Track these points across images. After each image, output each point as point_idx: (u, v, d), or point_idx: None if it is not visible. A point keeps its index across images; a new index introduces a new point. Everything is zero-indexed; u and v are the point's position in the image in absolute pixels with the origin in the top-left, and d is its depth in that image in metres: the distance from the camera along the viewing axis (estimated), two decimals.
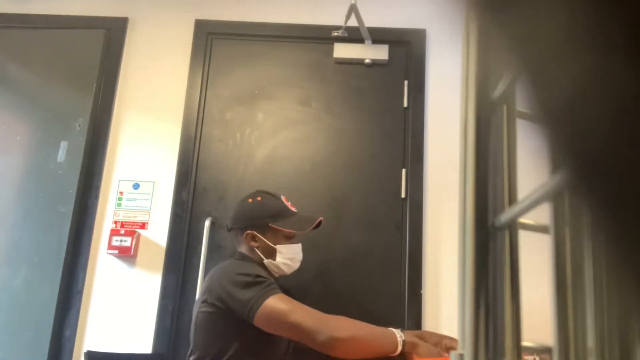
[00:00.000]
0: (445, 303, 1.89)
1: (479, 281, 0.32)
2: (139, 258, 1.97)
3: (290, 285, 1.83)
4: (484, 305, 0.32)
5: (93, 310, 1.93)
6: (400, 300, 1.90)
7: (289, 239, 1.54)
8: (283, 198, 1.58)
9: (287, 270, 1.54)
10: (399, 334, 1.28)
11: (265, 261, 1.51)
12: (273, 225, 1.50)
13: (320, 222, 1.58)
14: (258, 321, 1.28)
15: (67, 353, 1.88)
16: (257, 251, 1.51)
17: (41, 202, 2.04)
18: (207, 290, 1.39)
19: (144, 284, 1.94)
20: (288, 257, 1.52)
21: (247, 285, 1.31)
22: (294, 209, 1.57)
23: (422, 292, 1.90)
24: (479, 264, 0.33)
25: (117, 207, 2.02)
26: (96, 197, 2.03)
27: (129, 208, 2.02)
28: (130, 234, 1.96)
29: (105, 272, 1.96)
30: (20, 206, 2.05)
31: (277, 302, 1.28)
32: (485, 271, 0.33)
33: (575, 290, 0.27)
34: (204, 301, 1.39)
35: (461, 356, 0.33)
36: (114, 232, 1.96)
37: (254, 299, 1.29)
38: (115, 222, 2.00)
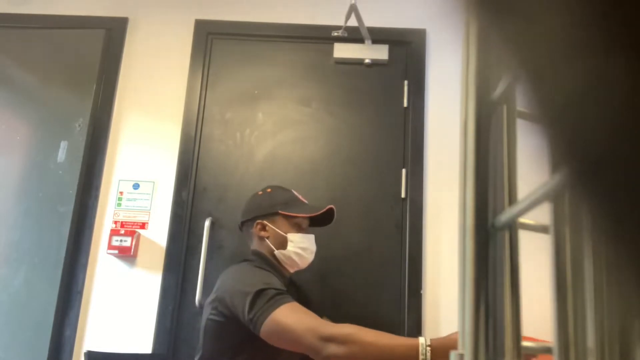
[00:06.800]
0: (445, 303, 1.89)
1: (479, 281, 0.32)
2: (139, 258, 1.97)
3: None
4: (484, 305, 0.32)
5: (93, 310, 1.93)
6: (400, 300, 1.90)
7: (300, 229, 1.50)
8: (294, 191, 1.57)
9: (301, 262, 1.50)
10: (422, 357, 1.11)
11: (276, 252, 1.47)
12: (283, 212, 1.48)
13: (332, 212, 1.54)
14: (263, 335, 1.23)
15: (67, 353, 1.88)
16: (268, 242, 1.48)
17: (41, 202, 2.04)
18: (217, 299, 1.34)
19: (144, 284, 1.94)
20: (300, 246, 1.48)
21: (254, 298, 1.25)
22: (304, 200, 1.55)
23: (422, 292, 1.90)
24: (479, 264, 0.33)
25: (117, 207, 2.02)
26: (96, 197, 2.03)
27: (129, 208, 2.02)
28: (130, 234, 1.96)
29: (105, 272, 1.96)
30: (20, 206, 2.05)
31: (281, 316, 1.20)
32: (485, 271, 0.33)
33: (575, 290, 0.27)
34: (214, 307, 1.35)
35: (461, 356, 0.33)
36: (114, 232, 1.96)
37: (258, 312, 1.23)
38: (115, 222, 2.00)
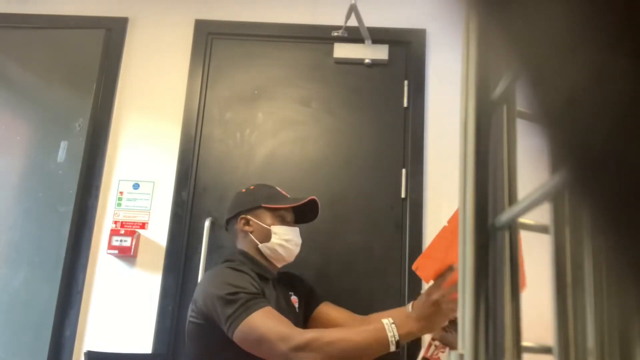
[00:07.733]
0: None
1: (479, 281, 0.32)
2: (139, 258, 1.97)
3: None
4: (484, 305, 0.32)
5: (93, 310, 1.93)
6: (400, 300, 1.90)
7: (284, 222, 1.50)
8: (278, 188, 1.57)
9: (286, 255, 1.49)
10: (390, 334, 1.19)
11: (260, 245, 1.47)
12: (266, 205, 1.48)
13: (316, 207, 1.54)
14: (237, 340, 1.24)
15: (67, 353, 1.88)
16: (252, 236, 1.48)
17: (41, 202, 2.04)
18: (195, 300, 1.35)
19: (144, 284, 1.94)
20: (284, 238, 1.47)
21: (226, 302, 1.25)
22: (288, 195, 1.56)
23: (422, 292, 1.89)
24: (479, 264, 0.33)
25: (117, 207, 2.02)
26: (96, 197, 2.03)
27: (129, 208, 2.02)
28: (130, 234, 1.95)
29: (105, 272, 1.96)
30: (20, 206, 2.05)
31: (254, 323, 1.21)
32: (485, 271, 0.33)
33: (575, 290, 0.27)
34: (192, 310, 1.36)
35: (461, 356, 0.33)
36: (114, 232, 1.96)
37: (232, 317, 1.23)
38: (115, 222, 2.00)
